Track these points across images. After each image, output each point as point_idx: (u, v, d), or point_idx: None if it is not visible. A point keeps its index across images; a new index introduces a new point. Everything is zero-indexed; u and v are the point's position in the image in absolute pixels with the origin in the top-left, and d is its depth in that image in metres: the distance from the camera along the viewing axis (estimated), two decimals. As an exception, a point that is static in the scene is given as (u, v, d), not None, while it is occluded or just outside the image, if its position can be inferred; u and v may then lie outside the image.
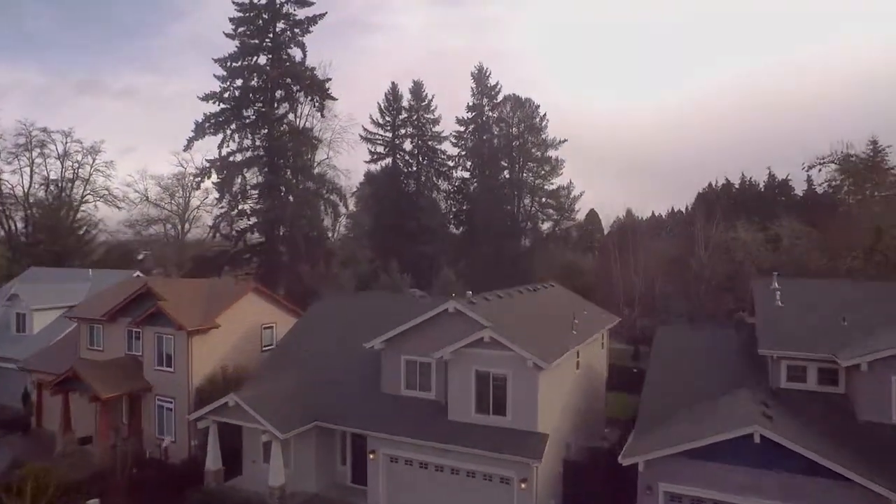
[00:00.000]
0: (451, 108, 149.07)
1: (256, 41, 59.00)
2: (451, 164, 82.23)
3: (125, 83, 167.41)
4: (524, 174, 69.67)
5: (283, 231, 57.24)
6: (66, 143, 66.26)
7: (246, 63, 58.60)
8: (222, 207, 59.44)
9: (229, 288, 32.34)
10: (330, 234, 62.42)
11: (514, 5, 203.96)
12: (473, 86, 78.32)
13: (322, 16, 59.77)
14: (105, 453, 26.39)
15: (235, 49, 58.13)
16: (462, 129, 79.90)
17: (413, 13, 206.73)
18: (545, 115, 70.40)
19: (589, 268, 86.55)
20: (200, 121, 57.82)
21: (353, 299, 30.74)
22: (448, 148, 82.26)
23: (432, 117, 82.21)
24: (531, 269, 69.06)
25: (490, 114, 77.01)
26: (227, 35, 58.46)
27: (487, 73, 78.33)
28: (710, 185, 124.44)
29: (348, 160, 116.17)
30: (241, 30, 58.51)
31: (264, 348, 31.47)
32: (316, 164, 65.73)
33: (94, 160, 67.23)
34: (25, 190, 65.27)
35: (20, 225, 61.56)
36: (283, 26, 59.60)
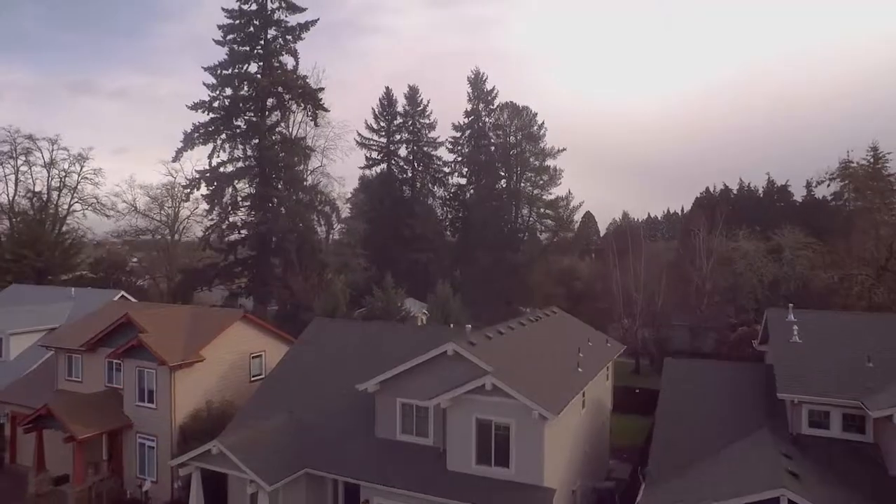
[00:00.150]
0: (447, 112, 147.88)
1: (247, 48, 57.40)
2: (446, 170, 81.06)
3: (120, 84, 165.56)
4: (522, 184, 68.15)
5: (274, 244, 55.63)
6: (53, 150, 64.53)
7: (236, 71, 56.99)
8: (212, 219, 57.88)
9: (216, 316, 30.75)
10: (323, 247, 60.62)
11: (512, 5, 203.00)
12: (469, 91, 77.01)
13: (314, 22, 58.31)
14: (81, 495, 24.88)
15: (225, 57, 56.56)
16: (458, 134, 78.58)
17: (410, 14, 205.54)
18: (543, 123, 69.15)
19: (586, 272, 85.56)
20: (189, 131, 56.22)
21: (347, 328, 29.22)
22: (444, 154, 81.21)
23: (428, 122, 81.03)
24: (529, 281, 67.78)
25: (486, 119, 75.66)
26: (217, 42, 56.91)
27: (484, 78, 77.03)
28: (707, 189, 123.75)
29: (343, 167, 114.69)
30: (230, 37, 56.88)
31: (253, 378, 29.97)
32: (309, 172, 64.27)
33: (81, 168, 65.46)
34: (10, 199, 63.65)
35: (3, 239, 59.74)
36: (274, 33, 58.04)
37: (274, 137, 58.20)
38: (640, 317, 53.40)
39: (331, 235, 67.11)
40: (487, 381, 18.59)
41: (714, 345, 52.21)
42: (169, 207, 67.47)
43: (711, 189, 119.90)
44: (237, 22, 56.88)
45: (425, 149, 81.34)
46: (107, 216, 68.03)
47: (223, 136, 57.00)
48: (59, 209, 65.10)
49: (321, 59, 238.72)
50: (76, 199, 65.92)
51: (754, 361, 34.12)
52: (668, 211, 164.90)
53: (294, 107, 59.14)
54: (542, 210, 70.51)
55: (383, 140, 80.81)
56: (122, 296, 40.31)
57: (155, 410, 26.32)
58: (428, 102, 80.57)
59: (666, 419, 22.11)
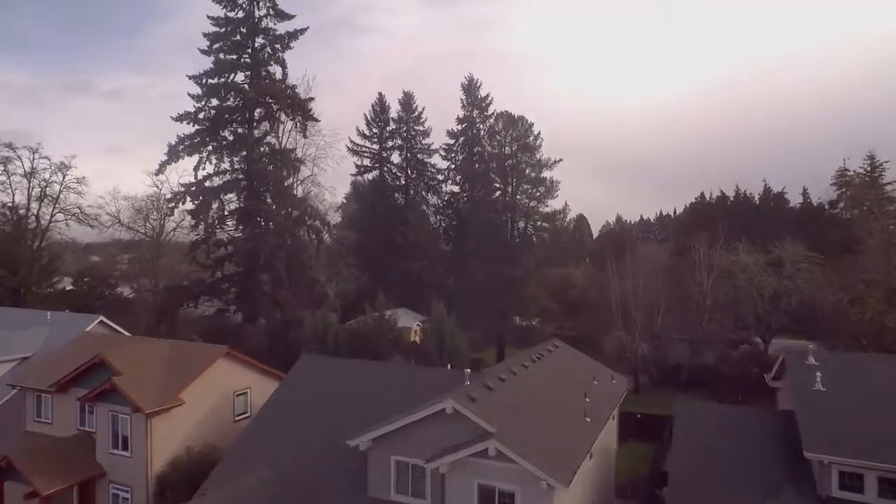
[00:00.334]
0: (446, 113, 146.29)
1: (234, 57, 55.33)
2: (440, 177, 79.25)
3: (115, 84, 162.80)
4: (518, 196, 66.47)
5: (262, 260, 53.66)
6: (34, 159, 61.99)
7: (223, 81, 54.93)
8: (198, 234, 55.79)
9: (197, 352, 28.74)
10: (313, 262, 58.70)
11: (511, 5, 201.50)
12: (463, 97, 75.14)
13: (304, 30, 56.28)
14: (50, 554, 22.97)
15: (211, 66, 54.49)
16: (452, 141, 76.73)
17: (405, 14, 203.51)
18: (539, 133, 67.37)
19: (581, 280, 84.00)
20: (174, 143, 54.11)
21: (336, 367, 27.45)
22: (438, 161, 79.44)
23: (422, 129, 79.27)
24: (525, 294, 66.20)
25: (480, 127, 73.87)
26: (203, 51, 54.78)
27: (478, 84, 75.18)
28: (702, 195, 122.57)
29: (334, 176, 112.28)
30: (216, 45, 54.81)
31: (238, 417, 28.19)
32: (298, 182, 62.31)
33: (64, 177, 63.07)
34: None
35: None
36: (262, 42, 56.01)
37: (262, 149, 56.20)
38: (638, 334, 51.85)
39: (321, 248, 65.00)
40: (491, 446, 16.92)
41: (715, 360, 50.79)
42: (154, 220, 65.28)
43: (707, 195, 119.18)
44: (223, 30, 54.83)
45: (419, 156, 79.56)
46: (90, 226, 65.79)
47: (209, 147, 54.92)
48: (41, 220, 62.83)
49: (314, 60, 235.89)
50: (58, 210, 63.65)
51: (763, 395, 32.86)
52: (661, 213, 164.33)
53: (283, 117, 57.17)
54: (538, 223, 68.85)
55: (375, 147, 79.03)
56: (101, 321, 38.30)
57: (130, 458, 24.46)
58: (423, 109, 78.98)
59: (679, 475, 20.56)
